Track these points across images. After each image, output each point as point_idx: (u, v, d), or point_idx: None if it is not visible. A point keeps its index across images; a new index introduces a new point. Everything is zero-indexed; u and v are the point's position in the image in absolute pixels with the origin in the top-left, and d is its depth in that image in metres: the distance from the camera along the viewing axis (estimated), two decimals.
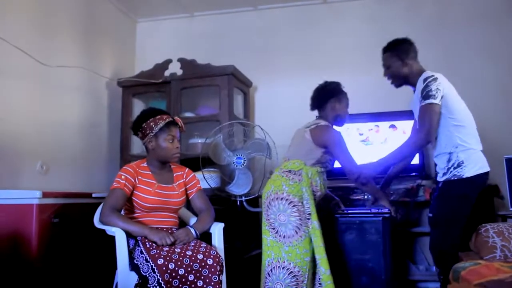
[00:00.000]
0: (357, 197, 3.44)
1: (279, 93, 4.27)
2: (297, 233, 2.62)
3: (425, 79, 2.47)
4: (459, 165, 2.43)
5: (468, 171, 2.40)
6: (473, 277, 1.84)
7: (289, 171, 2.72)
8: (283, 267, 2.60)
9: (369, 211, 2.99)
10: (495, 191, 3.43)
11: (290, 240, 2.62)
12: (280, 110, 4.23)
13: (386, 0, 4.25)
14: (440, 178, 2.54)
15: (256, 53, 4.40)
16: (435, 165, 2.65)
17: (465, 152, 2.43)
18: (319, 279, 2.62)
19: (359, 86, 4.05)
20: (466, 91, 3.93)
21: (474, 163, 2.42)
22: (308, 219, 2.63)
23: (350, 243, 2.98)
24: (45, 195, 2.72)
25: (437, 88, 2.42)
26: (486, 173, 2.46)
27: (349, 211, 3.02)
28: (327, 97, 2.87)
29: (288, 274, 2.59)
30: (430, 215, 2.56)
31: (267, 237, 2.69)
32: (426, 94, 2.43)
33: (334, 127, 2.87)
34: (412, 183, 3.45)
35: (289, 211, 2.64)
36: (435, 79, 2.45)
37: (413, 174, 3.54)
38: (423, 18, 4.15)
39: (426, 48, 4.01)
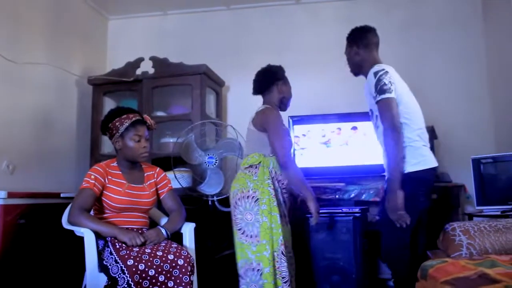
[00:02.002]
0: (328, 197, 3.47)
1: (251, 92, 4.27)
2: None
3: (375, 73, 2.39)
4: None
5: (410, 167, 2.34)
6: (440, 275, 1.87)
7: (250, 166, 2.68)
8: (253, 269, 2.55)
9: (340, 210, 3.02)
10: (462, 191, 3.51)
11: (258, 239, 2.56)
12: (253, 110, 4.19)
13: (359, 2, 4.31)
14: (386, 176, 2.46)
15: (229, 53, 4.39)
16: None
17: (406, 148, 2.36)
18: (259, 276, 2.52)
19: (329, 86, 4.11)
20: (434, 93, 4.04)
21: (415, 159, 2.36)
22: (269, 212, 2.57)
23: (322, 242, 3.00)
24: (10, 195, 2.66)
25: (390, 82, 2.35)
26: (431, 169, 2.39)
27: (320, 211, 3.03)
28: (274, 79, 2.82)
29: (260, 275, 2.53)
30: (377, 218, 2.54)
31: (235, 238, 2.65)
32: (380, 89, 2.35)
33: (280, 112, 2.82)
34: (382, 183, 3.49)
35: (256, 209, 2.58)
36: (386, 72, 2.38)
37: (383, 174, 3.58)
38: (394, 21, 4.22)
39: (397, 50, 4.12)
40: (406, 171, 2.34)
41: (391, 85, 2.35)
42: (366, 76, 2.52)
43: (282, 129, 2.69)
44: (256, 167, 2.66)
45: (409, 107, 2.44)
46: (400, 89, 2.42)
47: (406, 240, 2.36)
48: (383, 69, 2.40)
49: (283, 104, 2.85)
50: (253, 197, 2.59)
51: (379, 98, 2.35)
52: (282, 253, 2.54)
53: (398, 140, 2.34)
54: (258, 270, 2.53)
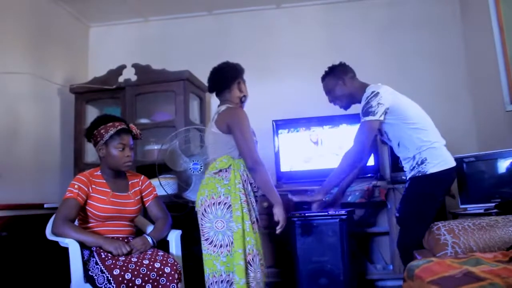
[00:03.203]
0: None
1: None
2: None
3: (367, 97, 2.51)
4: (422, 162, 2.50)
5: (432, 168, 2.48)
6: (426, 275, 1.88)
7: (220, 171, 2.48)
8: (222, 281, 2.38)
9: (326, 213, 3.03)
10: None
11: (228, 249, 2.39)
12: None
13: (339, 5, 4.34)
14: (407, 176, 2.61)
15: (211, 58, 4.31)
16: (402, 168, 2.72)
17: (427, 151, 2.50)
18: (230, 286, 2.38)
19: (313, 90, 4.12)
20: (414, 94, 4.03)
21: (436, 159, 2.49)
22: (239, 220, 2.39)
23: (308, 245, 3.00)
24: None
25: (378, 103, 2.47)
26: (451, 169, 2.53)
27: (306, 214, 3.04)
28: (234, 77, 2.63)
29: (230, 285, 2.38)
30: (397, 215, 2.62)
31: (202, 251, 2.47)
32: (365, 111, 2.49)
33: None
34: (367, 184, 3.51)
35: (228, 216, 2.40)
36: (376, 94, 2.48)
37: (369, 175, 3.61)
38: (374, 24, 4.26)
39: (377, 52, 4.15)
40: (428, 172, 2.48)
41: (378, 107, 2.47)
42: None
43: (249, 129, 2.50)
44: (226, 171, 2.47)
45: (416, 116, 2.57)
46: (399, 104, 2.54)
47: (420, 236, 2.48)
48: (373, 91, 2.50)
49: (242, 103, 2.67)
50: (225, 203, 2.41)
51: (362, 119, 2.51)
52: (249, 262, 2.38)
53: (353, 164, 2.59)
54: (228, 281, 2.37)
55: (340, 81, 2.70)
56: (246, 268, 2.36)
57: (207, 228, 2.43)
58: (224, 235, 2.40)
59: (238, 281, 2.33)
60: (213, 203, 2.43)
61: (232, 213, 2.40)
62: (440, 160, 2.51)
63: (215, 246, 2.41)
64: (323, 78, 2.79)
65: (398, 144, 2.61)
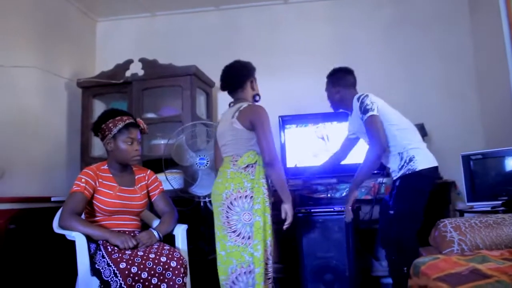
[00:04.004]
0: (320, 196, 3.48)
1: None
2: None
3: (358, 98, 2.70)
4: (411, 160, 2.64)
5: (420, 165, 2.62)
6: (432, 271, 1.89)
7: (247, 166, 2.54)
8: (250, 271, 2.44)
9: (332, 209, 3.03)
10: (453, 187, 3.53)
11: (252, 240, 2.46)
12: None
13: (346, 2, 4.32)
14: (396, 175, 2.71)
15: (218, 53, 4.37)
16: (388, 168, 2.88)
17: (414, 150, 2.66)
18: (253, 278, 2.45)
19: (319, 86, 4.12)
20: (423, 91, 4.06)
21: (424, 158, 2.65)
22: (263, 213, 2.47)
23: (314, 241, 3.01)
24: (0, 200, 2.63)
25: (371, 101, 2.65)
26: (436, 168, 2.69)
27: (312, 210, 3.04)
28: (247, 75, 2.70)
29: (253, 277, 2.44)
30: (392, 212, 2.66)
31: (226, 243, 2.52)
32: (364, 109, 2.65)
33: None
34: (373, 181, 3.51)
35: (255, 209, 2.46)
36: (366, 95, 2.69)
37: (375, 172, 3.60)
38: (381, 20, 4.24)
39: (383, 49, 4.14)
40: (417, 169, 2.61)
41: (373, 104, 2.64)
42: (349, 110, 2.88)
43: (270, 127, 2.56)
44: (252, 166, 2.54)
45: (399, 120, 2.74)
46: (384, 108, 2.71)
47: (415, 231, 2.61)
48: (363, 94, 2.71)
49: (256, 102, 2.74)
50: (251, 197, 2.49)
51: (365, 117, 2.65)
52: (270, 254, 2.49)
53: (378, 156, 2.63)
54: (250, 272, 2.45)
55: (335, 87, 2.88)
56: (263, 259, 2.44)
57: (234, 221, 2.50)
58: (251, 227, 2.47)
59: (254, 270, 2.42)
60: (240, 197, 2.50)
61: (253, 205, 2.48)
62: (427, 158, 2.67)
63: (243, 238, 2.48)
64: (327, 77, 2.96)
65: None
